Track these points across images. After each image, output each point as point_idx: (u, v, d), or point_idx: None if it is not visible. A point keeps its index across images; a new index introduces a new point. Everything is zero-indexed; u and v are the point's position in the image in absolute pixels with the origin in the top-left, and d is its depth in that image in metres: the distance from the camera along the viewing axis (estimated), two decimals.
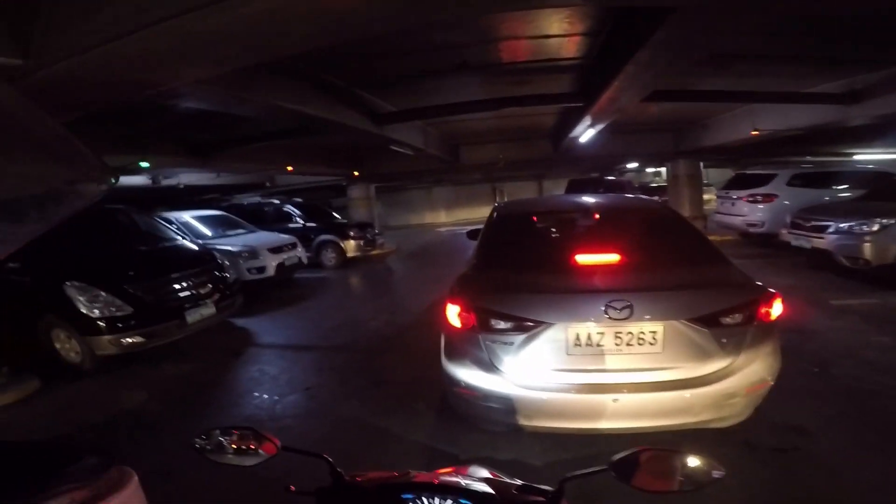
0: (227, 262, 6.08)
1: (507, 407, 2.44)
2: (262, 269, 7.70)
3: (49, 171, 0.52)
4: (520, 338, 2.41)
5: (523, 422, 2.46)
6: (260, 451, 1.01)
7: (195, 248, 6.21)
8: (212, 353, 5.13)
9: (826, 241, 6.84)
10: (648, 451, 0.90)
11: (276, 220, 10.84)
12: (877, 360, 3.88)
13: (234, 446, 1.00)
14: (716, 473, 0.87)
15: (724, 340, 2.30)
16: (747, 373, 2.30)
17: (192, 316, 4.94)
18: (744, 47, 5.16)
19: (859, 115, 6.79)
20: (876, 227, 6.17)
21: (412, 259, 12.37)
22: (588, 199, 3.77)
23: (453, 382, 2.61)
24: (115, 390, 4.27)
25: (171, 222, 7.34)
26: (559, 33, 4.75)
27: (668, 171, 14.37)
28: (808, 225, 7.32)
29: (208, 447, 0.98)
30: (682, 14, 3.11)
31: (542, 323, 2.39)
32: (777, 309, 2.40)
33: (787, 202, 9.26)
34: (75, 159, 0.55)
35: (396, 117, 7.48)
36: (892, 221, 6.10)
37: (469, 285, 2.75)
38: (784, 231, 8.05)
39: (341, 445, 2.89)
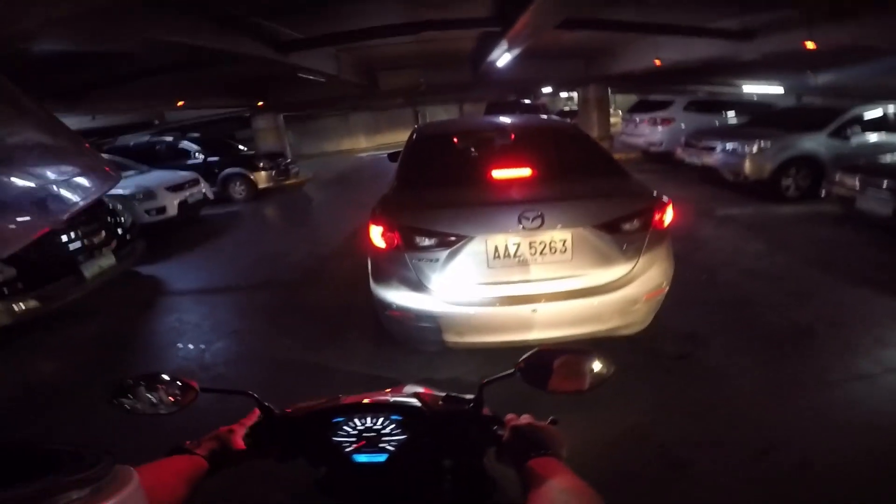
0: (119, 206, 5.41)
1: (438, 325, 2.55)
2: (161, 210, 7.02)
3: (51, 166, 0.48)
4: (444, 253, 2.48)
5: (454, 338, 2.59)
6: (179, 396, 0.94)
7: None
8: (121, 308, 4.62)
9: (714, 159, 7.74)
10: (547, 350, 0.92)
11: (172, 158, 9.77)
12: (753, 267, 4.46)
13: (150, 395, 0.92)
14: (610, 369, 0.89)
15: (625, 247, 2.51)
16: (646, 279, 2.54)
17: (90, 269, 4.34)
18: None
19: (750, 51, 7.29)
20: (755, 149, 6.99)
21: (331, 186, 11.93)
22: (504, 120, 3.79)
23: (384, 305, 2.65)
24: (19, 363, 3.72)
25: None
26: None
27: (579, 95, 14.80)
28: (700, 145, 8.20)
29: (123, 402, 0.90)
30: None
31: (463, 237, 2.47)
32: (670, 216, 2.62)
33: (682, 125, 10.28)
34: (77, 155, 0.50)
35: (304, 44, 6.79)
36: (768, 144, 6.94)
37: (391, 205, 2.75)
38: (679, 150, 8.91)
39: (280, 386, 2.85)
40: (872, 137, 6.96)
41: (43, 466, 0.43)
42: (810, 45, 6.07)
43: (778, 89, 12.30)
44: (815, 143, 6.93)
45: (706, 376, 2.86)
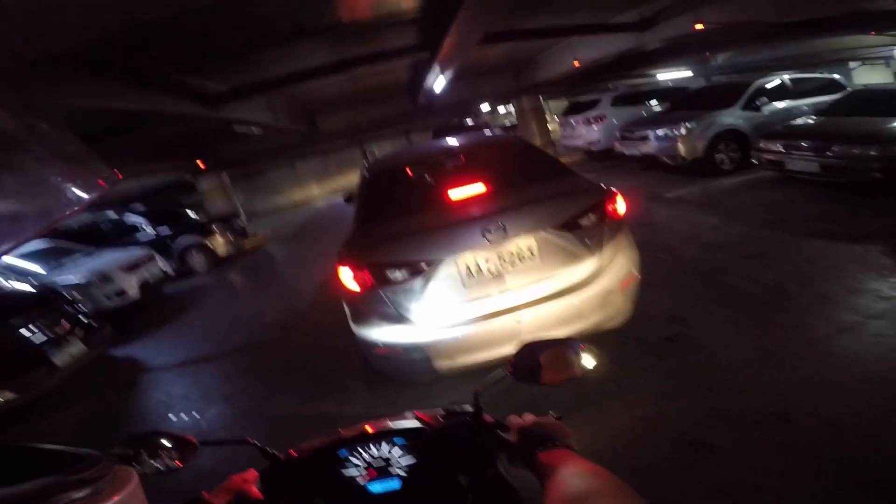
0: (76, 295, 5.29)
1: (427, 354, 2.54)
2: (121, 293, 6.68)
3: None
4: (418, 282, 2.50)
5: (446, 363, 2.58)
6: (178, 452, 0.95)
7: (29, 288, 5.31)
8: (102, 390, 4.58)
9: (650, 147, 8.20)
10: (529, 346, 0.95)
11: (120, 235, 9.38)
12: (712, 239, 4.70)
13: (149, 456, 0.92)
14: (594, 354, 0.93)
15: (587, 241, 2.60)
16: (615, 269, 2.64)
17: (61, 358, 4.41)
18: None
19: (652, 39, 7.86)
20: (683, 131, 7.51)
21: (292, 239, 11.73)
22: (450, 142, 3.87)
23: (370, 345, 2.63)
24: None
25: None
26: None
27: (515, 108, 15.36)
28: (634, 136, 8.66)
29: (127, 461, 0.89)
30: None
31: (433, 262, 2.49)
32: (622, 205, 2.76)
33: (614, 120, 10.70)
34: (75, 159, 0.51)
35: (232, 96, 6.79)
36: (694, 124, 7.46)
37: (356, 245, 2.75)
38: (617, 144, 9.39)
39: (284, 441, 2.79)
40: (780, 105, 7.62)
41: (43, 466, 0.44)
42: (699, 26, 6.70)
43: (687, 73, 13.24)
44: (732, 117, 7.50)
45: (700, 354, 2.90)
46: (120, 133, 6.68)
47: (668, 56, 11.28)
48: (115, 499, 0.46)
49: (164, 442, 0.94)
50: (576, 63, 9.68)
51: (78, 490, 0.43)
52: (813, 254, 3.94)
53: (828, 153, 5.24)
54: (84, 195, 0.50)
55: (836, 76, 8.42)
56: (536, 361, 0.92)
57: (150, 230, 9.58)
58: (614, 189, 2.79)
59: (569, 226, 2.58)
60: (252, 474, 0.97)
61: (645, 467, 2.10)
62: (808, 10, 5.89)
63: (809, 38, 9.14)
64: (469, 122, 17.51)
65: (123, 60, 4.70)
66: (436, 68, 7.32)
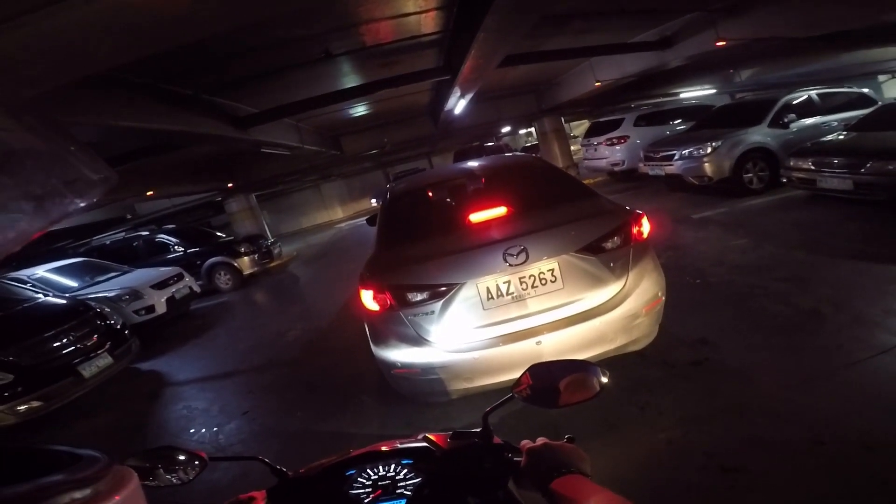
0: (107, 309, 5.52)
1: (446, 375, 2.52)
2: (150, 309, 6.93)
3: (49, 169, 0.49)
4: (438, 304, 2.49)
5: (465, 385, 2.55)
6: (189, 466, 0.96)
7: (63, 301, 5.58)
8: (126, 402, 4.77)
9: (675, 167, 8.02)
10: (538, 367, 0.95)
11: (152, 254, 9.76)
12: (741, 262, 4.54)
13: (159, 467, 0.94)
14: (606, 373, 0.92)
15: (612, 265, 2.55)
16: (640, 292, 2.57)
17: (89, 370, 4.64)
18: (576, 6, 5.72)
19: (673, 57, 7.85)
20: (709, 150, 7.35)
21: (316, 260, 11.92)
22: (471, 164, 3.88)
23: (389, 365, 2.63)
24: None
25: (23, 281, 6.33)
26: (416, 10, 4.83)
27: (536, 129, 15.44)
28: (658, 156, 8.49)
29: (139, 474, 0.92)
30: None
31: (453, 285, 2.48)
32: (647, 227, 2.70)
33: (637, 140, 10.58)
34: (74, 158, 0.51)
35: (261, 118, 7.03)
36: (720, 143, 7.31)
37: (378, 266, 2.77)
38: (641, 165, 9.24)
39: (298, 457, 2.79)
40: (809, 121, 7.43)
41: (43, 466, 0.44)
42: (721, 42, 6.62)
43: (710, 90, 13.05)
44: (760, 134, 7.31)
45: (728, 377, 2.79)
46: (154, 153, 6.96)
47: (690, 74, 11.20)
48: (116, 499, 0.46)
49: (176, 456, 0.96)
50: (597, 83, 9.69)
51: (78, 490, 0.43)
52: (848, 276, 3.77)
53: (862, 170, 5.05)
54: (84, 195, 0.51)
55: (866, 90, 8.21)
56: (554, 385, 0.91)
57: (180, 249, 9.91)
58: (639, 211, 2.74)
59: (592, 249, 2.53)
60: (262, 494, 0.97)
61: (669, 491, 2.01)
62: (831, 23, 5.79)
63: (835, 52, 8.97)
64: (489, 144, 17.70)
65: (158, 82, 4.93)
66: (456, 91, 7.43)
